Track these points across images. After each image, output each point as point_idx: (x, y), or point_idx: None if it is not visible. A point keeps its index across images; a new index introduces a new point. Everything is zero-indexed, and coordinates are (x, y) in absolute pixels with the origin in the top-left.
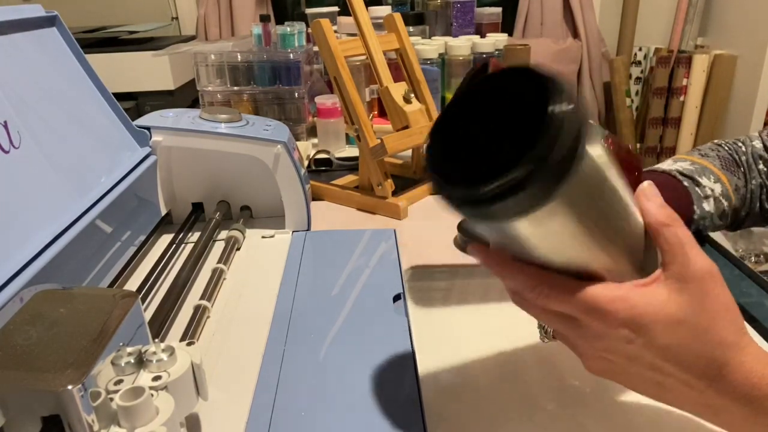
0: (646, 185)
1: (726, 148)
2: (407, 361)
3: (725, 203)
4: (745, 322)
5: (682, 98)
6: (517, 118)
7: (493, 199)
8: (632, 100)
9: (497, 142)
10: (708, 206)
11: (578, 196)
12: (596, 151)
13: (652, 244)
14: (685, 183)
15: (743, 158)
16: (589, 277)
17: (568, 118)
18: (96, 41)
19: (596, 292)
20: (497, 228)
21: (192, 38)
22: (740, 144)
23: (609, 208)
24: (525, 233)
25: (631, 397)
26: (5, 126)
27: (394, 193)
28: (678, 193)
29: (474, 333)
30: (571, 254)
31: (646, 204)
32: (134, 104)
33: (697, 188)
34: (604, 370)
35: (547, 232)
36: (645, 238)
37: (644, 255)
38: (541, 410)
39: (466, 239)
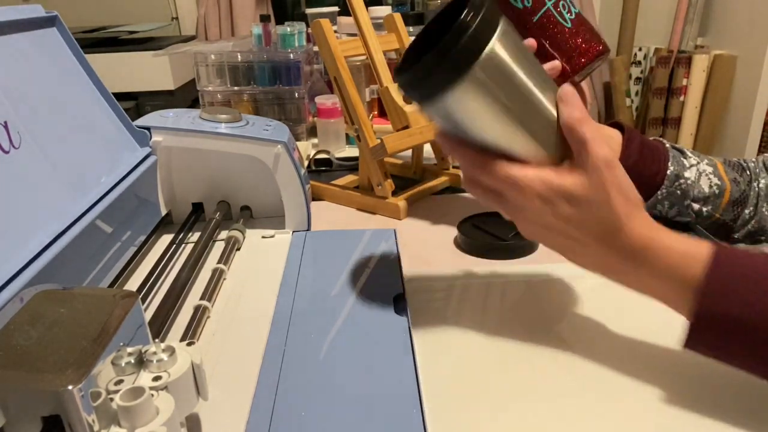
0: (565, 89)
1: (735, 159)
2: (407, 361)
3: (715, 180)
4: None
5: (682, 98)
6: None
7: (421, 77)
8: (632, 100)
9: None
10: (689, 174)
11: (487, 78)
12: (507, 44)
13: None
14: (668, 146)
15: (751, 165)
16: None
17: (470, 18)
18: (96, 41)
19: (518, 169)
20: (437, 110)
21: (192, 38)
22: (750, 161)
23: (518, 95)
24: (455, 112)
25: (632, 390)
26: (5, 126)
27: (394, 193)
28: (655, 145)
29: (474, 333)
30: (494, 134)
31: (562, 107)
32: (134, 104)
33: (683, 159)
34: (532, 234)
35: (470, 110)
36: (560, 134)
37: (560, 148)
38: (542, 409)
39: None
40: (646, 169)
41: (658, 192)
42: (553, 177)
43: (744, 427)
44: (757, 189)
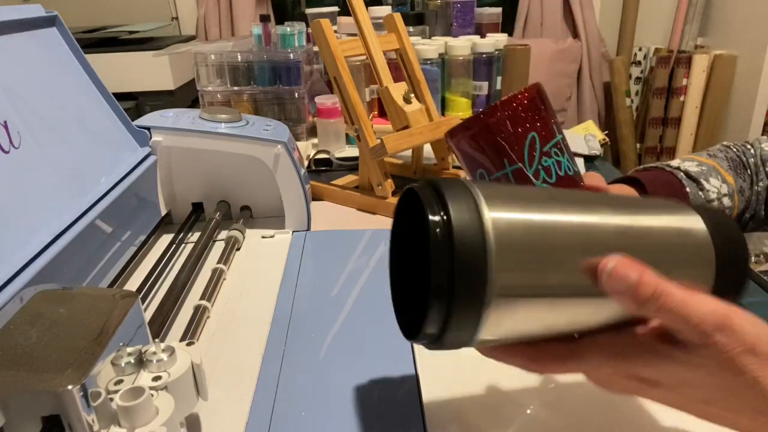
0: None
1: (735, 150)
2: (407, 361)
3: (728, 203)
4: None
5: (682, 98)
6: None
7: (436, 341)
8: (632, 100)
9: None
10: None
11: (508, 284)
12: (500, 228)
13: None
14: (688, 189)
15: (751, 161)
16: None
17: (443, 240)
18: (96, 41)
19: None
20: (479, 342)
21: (192, 38)
22: (749, 146)
23: (552, 268)
24: (505, 334)
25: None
26: (5, 126)
27: (394, 193)
28: (677, 196)
29: None
30: (564, 320)
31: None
32: (134, 104)
33: (700, 192)
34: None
35: (519, 324)
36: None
37: None
38: (543, 409)
39: None
40: None
41: None
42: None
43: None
44: (757, 191)
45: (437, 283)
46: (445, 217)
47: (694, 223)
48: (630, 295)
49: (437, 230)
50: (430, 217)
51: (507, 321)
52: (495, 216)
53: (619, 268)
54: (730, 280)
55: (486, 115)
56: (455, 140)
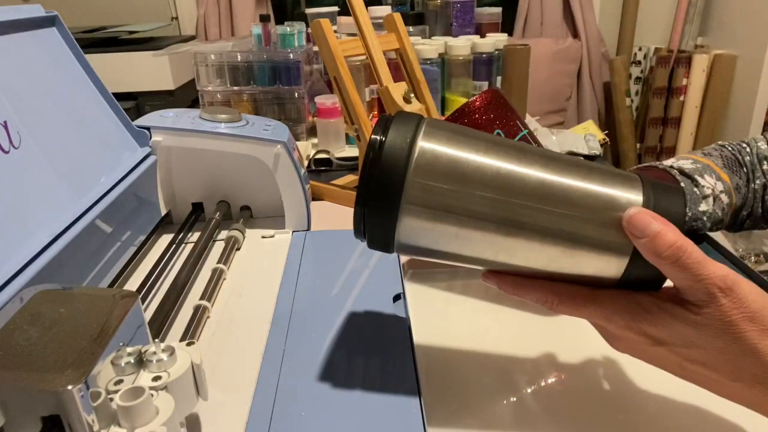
0: (632, 212)
1: (730, 148)
2: (407, 361)
3: (725, 200)
4: None
5: (682, 98)
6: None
7: (365, 238)
8: (632, 100)
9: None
10: (705, 206)
11: (418, 198)
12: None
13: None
14: (683, 183)
15: (747, 159)
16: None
17: (375, 151)
18: (96, 41)
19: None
20: (410, 249)
21: (192, 38)
22: (745, 145)
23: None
24: (421, 244)
25: (633, 389)
26: (5, 126)
27: None
28: None
29: (474, 333)
30: (471, 251)
31: (632, 230)
32: (134, 104)
33: (695, 188)
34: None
35: (430, 239)
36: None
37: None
38: (543, 409)
39: None
40: None
41: None
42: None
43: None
44: (753, 189)
45: (362, 187)
46: (382, 138)
47: (629, 195)
48: (648, 244)
49: (372, 146)
50: (372, 136)
51: (419, 232)
52: (425, 145)
53: (639, 215)
54: (645, 264)
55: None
56: None
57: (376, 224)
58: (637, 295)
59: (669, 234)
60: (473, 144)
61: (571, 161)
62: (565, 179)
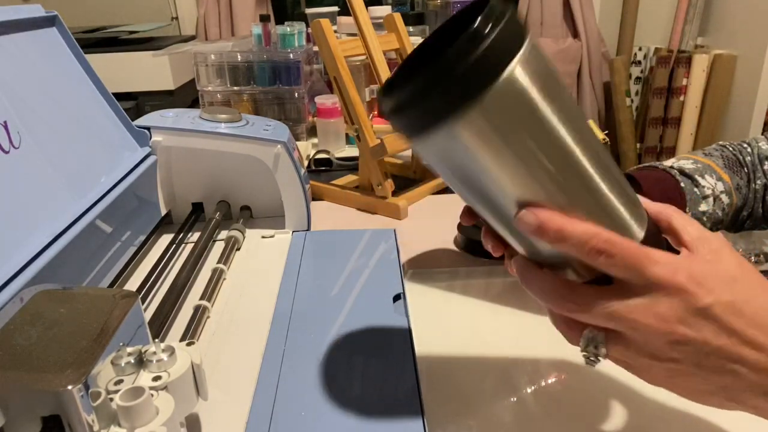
0: None
1: (731, 148)
2: (407, 361)
3: (726, 200)
4: None
5: (682, 98)
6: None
7: (410, 102)
8: (632, 100)
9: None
10: (705, 206)
11: (500, 114)
12: (536, 71)
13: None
14: (683, 183)
15: (748, 159)
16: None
17: (481, 31)
18: (96, 41)
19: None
20: (439, 152)
21: (192, 38)
22: (746, 145)
23: (550, 143)
24: (463, 155)
25: (633, 389)
26: (5, 126)
27: (394, 193)
28: (672, 193)
29: (474, 333)
30: (526, 186)
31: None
32: (134, 104)
33: (695, 189)
34: (688, 389)
35: (482, 153)
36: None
37: (621, 208)
38: (543, 410)
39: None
40: None
41: None
42: (683, 264)
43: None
44: (754, 189)
45: (478, 26)
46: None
47: (635, 230)
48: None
49: (494, 8)
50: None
51: (477, 132)
52: (530, 56)
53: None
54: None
55: None
56: None
57: (442, 93)
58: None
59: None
60: (563, 98)
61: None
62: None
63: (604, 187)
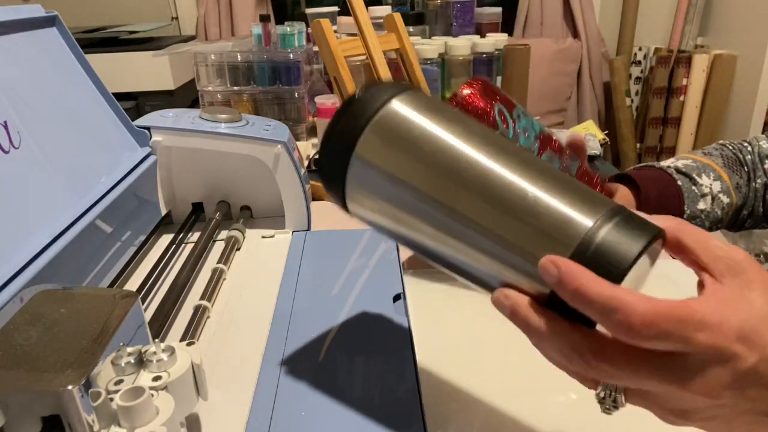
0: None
1: (730, 147)
2: (407, 361)
3: (725, 200)
4: None
5: (682, 98)
6: None
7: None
8: (632, 100)
9: None
10: (704, 204)
11: (369, 152)
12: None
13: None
14: (680, 182)
15: (748, 158)
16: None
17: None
18: (96, 41)
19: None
20: (364, 184)
21: (192, 38)
22: (746, 144)
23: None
24: (367, 204)
25: None
26: (5, 126)
27: None
28: (669, 191)
29: (474, 333)
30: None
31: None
32: (134, 104)
33: (693, 187)
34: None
35: (375, 200)
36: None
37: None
38: (542, 409)
39: None
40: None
41: None
42: (716, 308)
43: None
44: (754, 188)
45: (327, 127)
46: (359, 95)
47: (580, 217)
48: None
49: (350, 97)
50: (354, 94)
51: (365, 189)
52: (394, 107)
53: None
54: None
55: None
56: None
57: (330, 166)
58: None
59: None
60: (446, 123)
61: (541, 166)
62: (516, 177)
63: (524, 184)
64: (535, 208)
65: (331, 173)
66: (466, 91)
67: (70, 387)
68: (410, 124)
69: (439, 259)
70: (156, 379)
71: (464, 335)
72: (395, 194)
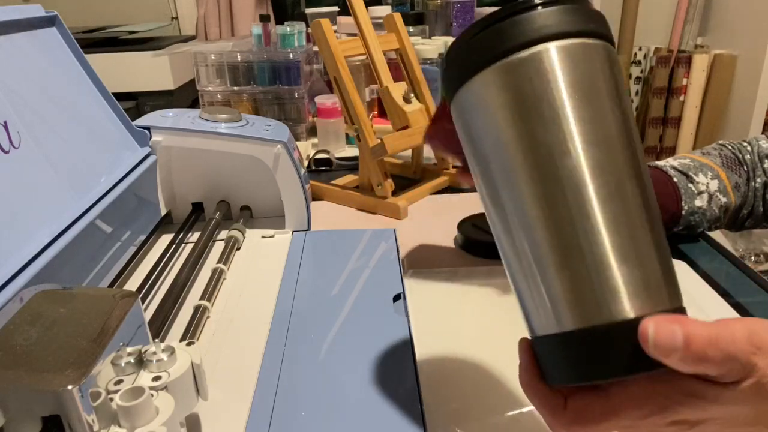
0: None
1: (730, 147)
2: (407, 360)
3: (723, 199)
4: None
5: (682, 98)
6: None
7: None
8: (632, 100)
9: None
10: (701, 202)
11: (515, 83)
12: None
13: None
14: (675, 179)
15: (747, 157)
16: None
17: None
18: (96, 41)
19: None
20: (466, 117)
21: (192, 38)
22: (746, 144)
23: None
24: (494, 105)
25: None
26: (5, 126)
27: (394, 193)
28: (665, 189)
29: (474, 333)
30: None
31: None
32: (134, 104)
33: (690, 185)
34: None
35: (492, 118)
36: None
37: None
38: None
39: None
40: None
41: (674, 229)
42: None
43: None
44: (754, 187)
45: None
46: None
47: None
48: (682, 359)
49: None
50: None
51: (469, 112)
52: (542, 55)
53: (661, 329)
54: None
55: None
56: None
57: (456, 64)
58: (652, 385)
59: (699, 336)
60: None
61: (649, 216)
62: (607, 222)
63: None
64: (601, 266)
65: (453, 69)
66: None
67: (70, 387)
68: (546, 85)
69: (490, 206)
70: (156, 379)
71: (464, 335)
72: (487, 136)
